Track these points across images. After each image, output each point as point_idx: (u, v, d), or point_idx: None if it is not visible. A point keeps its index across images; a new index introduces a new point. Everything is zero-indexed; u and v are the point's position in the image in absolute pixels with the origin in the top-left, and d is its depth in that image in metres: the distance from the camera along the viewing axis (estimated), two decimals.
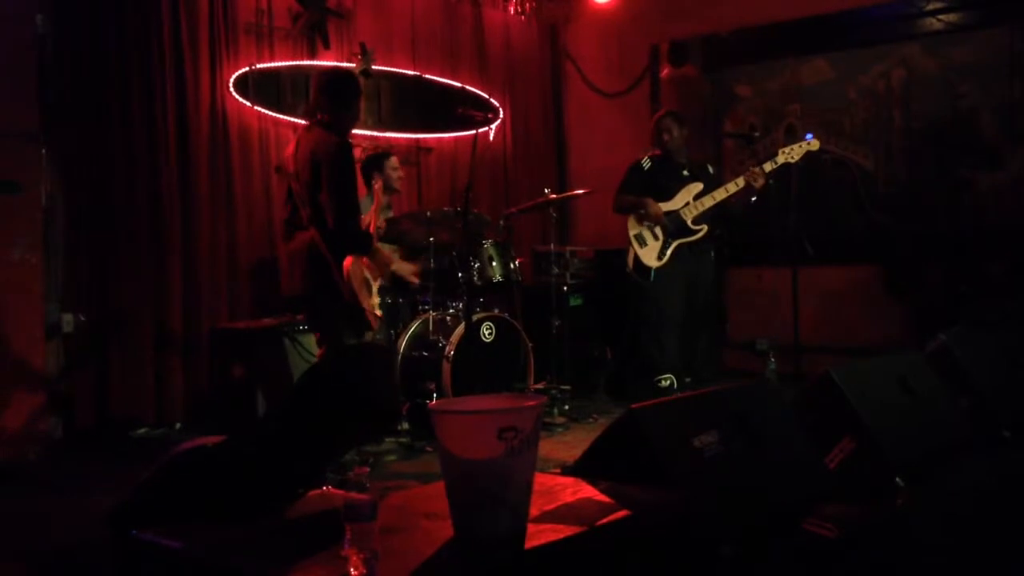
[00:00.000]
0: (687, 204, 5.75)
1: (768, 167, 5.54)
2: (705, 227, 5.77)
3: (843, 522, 2.94)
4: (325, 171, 3.95)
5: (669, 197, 5.77)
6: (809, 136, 5.61)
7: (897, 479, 3.22)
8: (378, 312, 4.43)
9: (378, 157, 5.87)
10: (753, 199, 5.61)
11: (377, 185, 5.45)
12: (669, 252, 5.73)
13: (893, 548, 2.95)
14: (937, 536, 3.03)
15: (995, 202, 6.54)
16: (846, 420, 3.35)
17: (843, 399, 3.38)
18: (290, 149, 4.22)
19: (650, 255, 5.76)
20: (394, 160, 5.85)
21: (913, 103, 6.88)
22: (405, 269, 5.60)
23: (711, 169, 6.03)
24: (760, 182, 5.51)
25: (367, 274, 4.39)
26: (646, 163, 5.90)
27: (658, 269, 5.74)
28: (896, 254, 6.84)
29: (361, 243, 4.16)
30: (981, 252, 6.33)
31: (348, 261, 4.05)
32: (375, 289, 4.54)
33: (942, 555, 2.87)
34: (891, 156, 7.01)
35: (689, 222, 5.74)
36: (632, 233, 5.81)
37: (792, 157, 5.53)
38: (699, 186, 5.77)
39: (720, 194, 5.67)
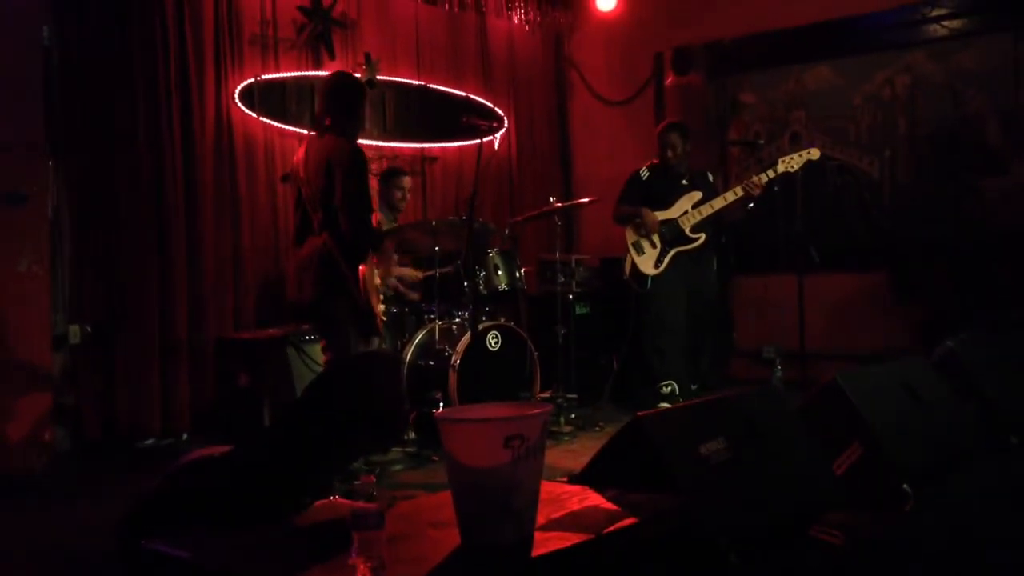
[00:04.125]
0: (686, 212, 5.78)
1: (767, 177, 5.59)
2: (703, 235, 5.79)
3: (850, 529, 2.94)
4: (340, 175, 3.97)
5: (668, 206, 5.80)
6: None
7: (904, 486, 3.21)
8: (383, 318, 4.45)
9: (390, 173, 5.93)
10: (750, 205, 5.70)
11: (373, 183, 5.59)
12: (666, 260, 5.76)
13: (900, 555, 2.94)
14: (944, 543, 3.02)
15: (1001, 207, 6.52)
16: (853, 426, 3.35)
17: (850, 405, 3.37)
18: (299, 156, 4.24)
19: (647, 263, 5.78)
20: (406, 180, 5.88)
21: (918, 109, 6.87)
22: (407, 273, 5.65)
23: (710, 177, 6.07)
24: (756, 191, 5.57)
25: (377, 280, 4.43)
26: (644, 173, 5.95)
27: (655, 277, 5.77)
28: (902, 261, 6.83)
29: (376, 240, 4.28)
30: (988, 258, 6.31)
31: (363, 269, 4.07)
32: (380, 296, 4.58)
33: (949, 562, 2.86)
34: (897, 163, 7.00)
35: (687, 230, 5.77)
36: (630, 241, 5.85)
37: (792, 166, 5.57)
38: (698, 195, 5.81)
39: (719, 203, 5.74)
